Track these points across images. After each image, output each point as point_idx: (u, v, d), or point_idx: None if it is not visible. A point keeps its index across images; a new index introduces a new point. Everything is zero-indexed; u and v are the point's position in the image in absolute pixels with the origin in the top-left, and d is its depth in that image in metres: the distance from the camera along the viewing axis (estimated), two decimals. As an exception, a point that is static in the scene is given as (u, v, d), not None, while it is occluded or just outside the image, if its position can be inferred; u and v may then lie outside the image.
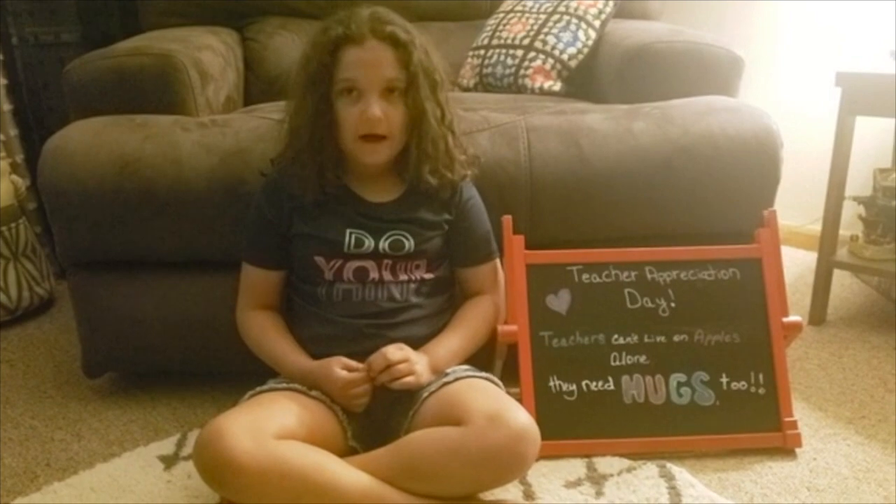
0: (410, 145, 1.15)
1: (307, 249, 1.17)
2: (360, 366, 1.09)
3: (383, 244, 1.15)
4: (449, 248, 1.22)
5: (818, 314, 1.68)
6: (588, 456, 1.19)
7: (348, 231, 1.15)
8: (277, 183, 1.19)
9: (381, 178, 1.20)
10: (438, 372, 1.13)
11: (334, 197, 1.17)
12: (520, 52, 1.73)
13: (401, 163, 1.18)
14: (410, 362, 1.08)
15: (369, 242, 1.15)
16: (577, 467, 1.17)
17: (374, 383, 1.09)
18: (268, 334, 1.19)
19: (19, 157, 1.94)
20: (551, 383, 1.22)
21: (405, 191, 1.19)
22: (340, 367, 1.08)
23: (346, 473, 1.00)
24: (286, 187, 1.17)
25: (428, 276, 1.19)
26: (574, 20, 1.71)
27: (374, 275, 1.16)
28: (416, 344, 1.14)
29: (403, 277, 1.17)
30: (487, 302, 1.24)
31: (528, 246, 1.26)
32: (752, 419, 1.22)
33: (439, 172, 1.16)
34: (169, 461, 1.22)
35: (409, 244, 1.16)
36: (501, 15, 1.84)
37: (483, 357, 1.24)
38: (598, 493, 1.11)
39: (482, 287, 1.25)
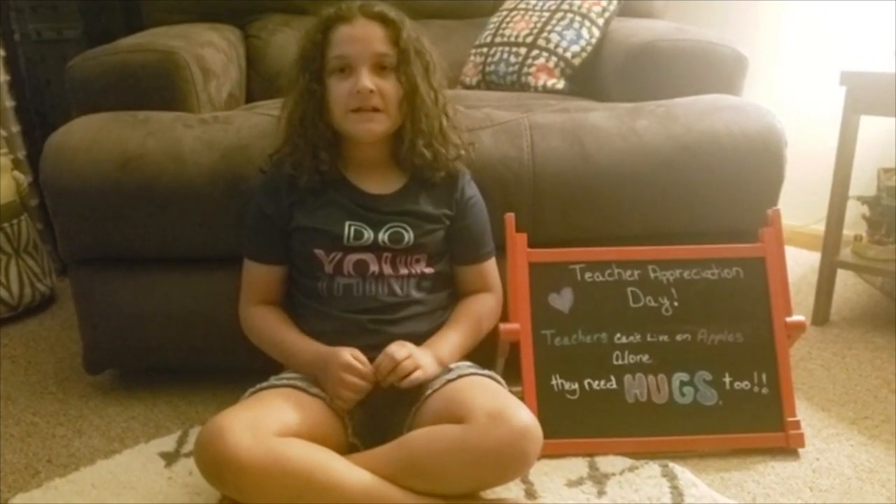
0: (405, 122, 1.16)
1: (307, 243, 1.16)
2: (369, 364, 1.08)
3: (382, 236, 1.15)
4: (448, 246, 1.22)
5: (821, 314, 1.67)
6: (590, 455, 1.19)
7: (348, 223, 1.15)
8: (275, 178, 1.19)
9: (381, 170, 1.20)
10: (444, 366, 1.13)
11: (333, 189, 1.17)
12: (523, 50, 1.72)
13: (398, 152, 1.18)
14: (414, 357, 1.08)
15: (368, 234, 1.15)
16: (579, 466, 1.17)
17: (380, 384, 1.08)
18: (271, 326, 1.19)
19: (21, 154, 1.94)
20: (553, 382, 1.22)
21: (405, 183, 1.19)
22: (349, 354, 1.08)
23: (348, 471, 1.00)
24: (284, 177, 1.17)
25: (428, 270, 1.19)
26: (578, 18, 1.70)
27: (374, 268, 1.15)
28: (418, 340, 1.14)
29: (404, 272, 1.17)
30: (488, 298, 1.25)
31: (531, 244, 1.26)
32: (754, 419, 1.21)
33: (433, 147, 1.16)
34: (170, 458, 1.21)
35: (409, 236, 1.16)
36: (504, 12, 1.83)
37: (485, 355, 1.23)
38: (600, 493, 1.11)
39: (480, 286, 1.25)
